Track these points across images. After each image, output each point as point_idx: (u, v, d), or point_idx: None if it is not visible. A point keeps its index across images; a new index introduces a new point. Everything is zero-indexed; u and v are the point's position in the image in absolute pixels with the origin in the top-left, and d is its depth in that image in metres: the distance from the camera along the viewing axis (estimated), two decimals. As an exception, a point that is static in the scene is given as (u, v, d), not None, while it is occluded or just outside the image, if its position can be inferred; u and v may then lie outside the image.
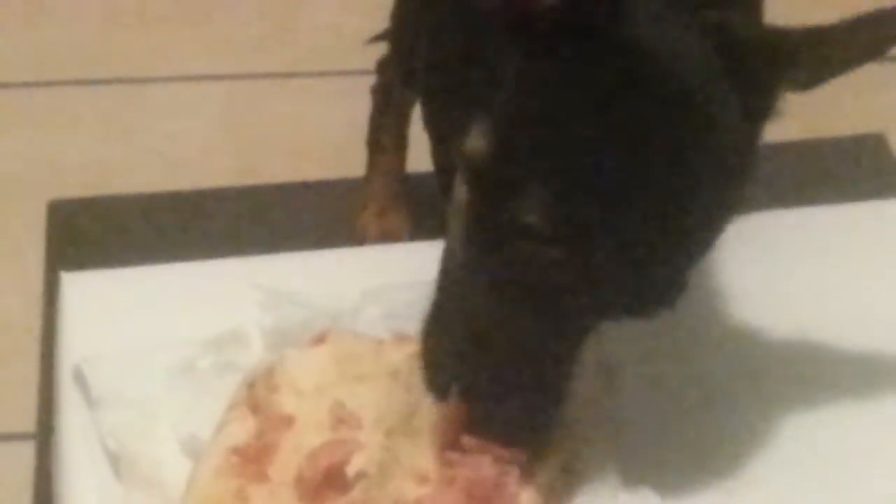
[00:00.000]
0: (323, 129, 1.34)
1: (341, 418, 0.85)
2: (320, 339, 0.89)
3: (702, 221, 0.82)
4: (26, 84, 1.72)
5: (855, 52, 0.83)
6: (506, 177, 0.79)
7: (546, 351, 0.81)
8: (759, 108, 0.83)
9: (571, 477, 0.85)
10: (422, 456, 0.84)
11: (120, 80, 1.72)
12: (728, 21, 0.83)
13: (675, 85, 0.80)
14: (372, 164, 1.33)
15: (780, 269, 1.01)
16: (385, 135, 1.33)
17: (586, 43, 0.79)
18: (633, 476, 0.85)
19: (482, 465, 0.82)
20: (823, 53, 0.83)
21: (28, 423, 0.99)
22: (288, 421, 0.86)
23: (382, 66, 1.34)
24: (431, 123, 1.08)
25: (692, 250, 0.82)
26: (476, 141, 0.80)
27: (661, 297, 0.81)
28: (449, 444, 0.83)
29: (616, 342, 0.91)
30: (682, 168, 0.79)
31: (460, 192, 0.81)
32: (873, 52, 0.82)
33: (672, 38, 0.82)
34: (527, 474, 0.83)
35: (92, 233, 1.10)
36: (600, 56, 0.79)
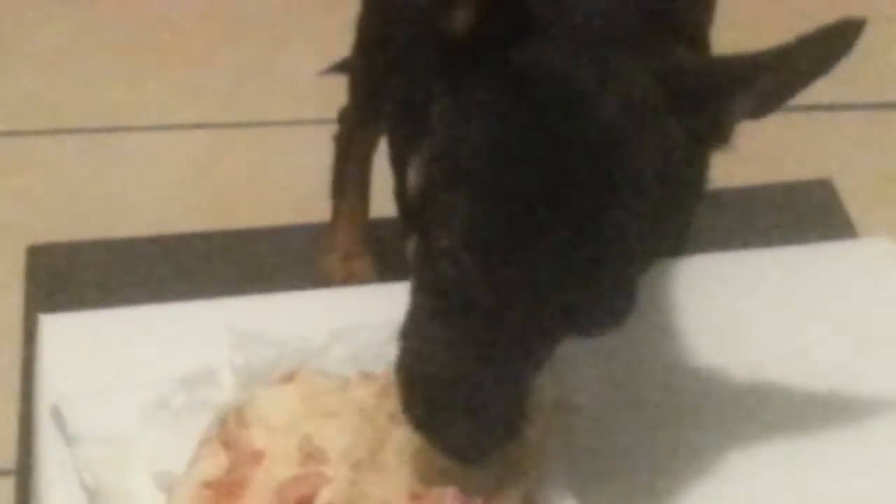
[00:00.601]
0: (290, 176, 1.35)
1: (309, 453, 0.86)
2: (289, 378, 0.90)
3: (640, 233, 0.82)
4: (3, 133, 1.72)
5: (801, 74, 0.83)
6: (431, 209, 0.80)
7: (502, 378, 0.81)
8: (706, 135, 0.83)
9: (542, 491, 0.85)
10: (387, 489, 0.84)
11: (95, 130, 1.72)
12: (671, 51, 0.84)
13: (590, 113, 0.81)
14: (336, 210, 1.33)
15: (729, 308, 1.01)
16: (348, 182, 1.33)
17: (496, 73, 0.81)
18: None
19: (445, 497, 0.83)
20: (770, 78, 0.83)
21: (8, 459, 0.99)
22: (258, 456, 0.86)
23: (343, 116, 1.34)
24: (395, 164, 1.09)
25: (633, 261, 0.82)
26: (412, 179, 0.82)
27: (607, 315, 0.82)
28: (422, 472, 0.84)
29: (572, 381, 0.92)
30: (596, 190, 0.80)
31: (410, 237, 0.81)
32: (819, 71, 0.83)
33: (590, 66, 0.82)
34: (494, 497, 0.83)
35: (69, 276, 1.10)
36: (508, 87, 0.81)
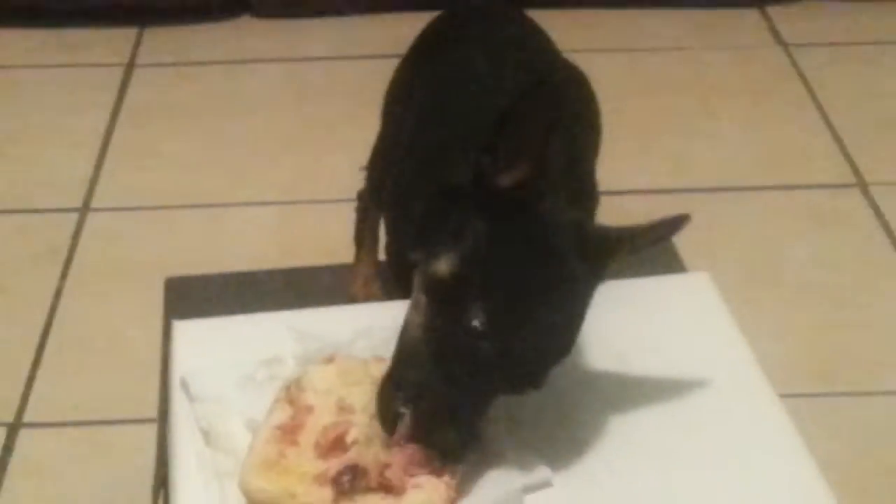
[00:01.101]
0: (331, 233, 1.33)
1: (342, 408, 0.85)
2: (330, 360, 0.89)
3: (565, 342, 0.82)
4: (152, 207, 1.71)
5: (654, 242, 0.84)
6: (458, 293, 0.79)
7: (476, 406, 0.80)
8: (598, 272, 0.83)
9: (483, 442, 0.82)
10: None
11: (210, 205, 1.71)
12: (582, 220, 0.85)
13: (559, 260, 0.81)
14: (357, 253, 1.33)
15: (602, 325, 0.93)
16: (364, 235, 1.32)
17: (520, 222, 0.81)
18: (524, 443, 0.84)
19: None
20: (634, 242, 0.83)
21: (153, 411, 0.98)
22: (310, 409, 0.86)
23: (361, 194, 1.33)
24: (394, 237, 1.07)
25: (557, 356, 0.82)
26: (442, 266, 0.80)
27: (538, 382, 0.82)
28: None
29: None
30: (559, 301, 0.80)
31: (419, 295, 0.81)
32: (665, 240, 0.85)
33: (558, 227, 0.82)
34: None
35: (193, 297, 1.09)
36: (525, 231, 0.81)
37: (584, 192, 0.99)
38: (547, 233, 0.81)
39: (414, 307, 0.82)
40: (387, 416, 0.80)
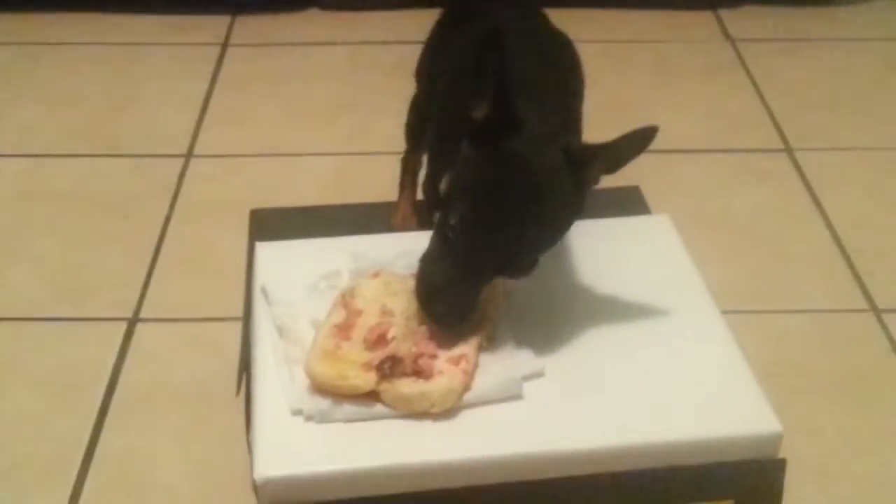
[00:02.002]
0: (383, 177, 1.32)
1: (385, 311, 0.85)
2: (376, 275, 0.90)
3: (544, 235, 0.83)
4: (242, 155, 1.70)
5: (629, 152, 0.82)
6: (449, 201, 0.81)
7: (467, 283, 0.82)
8: (583, 184, 0.83)
9: (491, 343, 0.84)
10: (424, 330, 0.84)
11: (285, 154, 1.70)
12: (569, 142, 0.84)
13: (535, 169, 0.81)
14: (400, 194, 1.32)
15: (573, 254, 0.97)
16: (405, 180, 1.30)
17: (494, 147, 0.81)
18: (522, 343, 0.85)
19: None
20: (614, 154, 0.82)
21: (239, 312, 0.97)
22: (360, 312, 0.86)
23: (405, 155, 1.33)
24: (431, 173, 1.08)
25: (539, 246, 0.83)
26: (442, 185, 0.83)
27: (523, 268, 0.83)
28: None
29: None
30: (536, 209, 0.80)
31: (435, 211, 0.84)
32: (634, 154, 0.82)
33: (538, 149, 0.82)
34: (471, 334, 0.83)
35: (272, 225, 1.09)
36: (498, 153, 0.81)
37: (574, 123, 0.97)
38: (524, 149, 0.80)
39: (435, 223, 0.84)
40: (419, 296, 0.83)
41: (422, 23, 1.24)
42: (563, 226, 0.83)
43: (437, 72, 1.16)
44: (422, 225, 1.11)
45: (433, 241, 0.83)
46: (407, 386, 0.78)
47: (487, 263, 0.81)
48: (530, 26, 1.11)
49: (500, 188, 0.80)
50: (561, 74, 1.02)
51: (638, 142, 0.81)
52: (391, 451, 0.76)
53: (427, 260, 0.83)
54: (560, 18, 2.01)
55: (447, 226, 0.80)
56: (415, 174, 1.32)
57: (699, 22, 2.10)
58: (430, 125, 1.14)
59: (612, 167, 0.83)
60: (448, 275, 0.81)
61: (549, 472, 0.76)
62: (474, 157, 0.81)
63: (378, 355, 0.81)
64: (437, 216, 0.83)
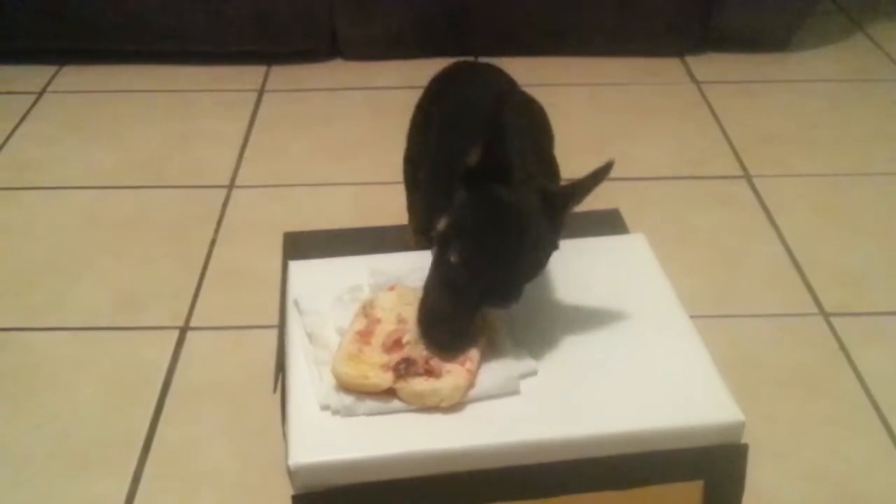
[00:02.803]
0: (395, 205, 1.31)
1: (400, 320, 0.85)
2: (392, 288, 0.89)
3: (527, 269, 0.82)
4: (272, 185, 1.69)
5: (593, 185, 0.82)
6: (447, 240, 0.80)
7: (464, 313, 0.81)
8: (557, 225, 0.83)
9: (492, 346, 0.84)
10: None
11: (314, 185, 1.69)
12: (546, 185, 0.84)
13: (519, 213, 0.80)
14: (409, 217, 1.30)
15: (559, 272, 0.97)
16: (412, 205, 1.28)
17: (484, 191, 0.81)
18: (519, 346, 0.85)
19: None
20: (582, 190, 0.82)
21: (274, 319, 0.96)
22: (378, 321, 0.85)
23: (408, 200, 1.30)
24: (422, 211, 1.09)
25: (523, 279, 0.81)
26: (440, 224, 0.82)
27: (512, 299, 0.82)
28: None
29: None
30: (520, 248, 0.80)
31: (433, 247, 0.83)
32: (599, 183, 0.82)
33: (522, 193, 0.81)
34: (473, 340, 0.83)
35: (303, 246, 1.08)
36: (488, 198, 0.80)
37: (550, 170, 0.97)
38: (510, 195, 0.80)
39: (433, 255, 0.83)
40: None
41: (430, 71, 1.24)
42: (544, 260, 0.82)
43: (426, 129, 1.15)
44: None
45: (432, 275, 0.82)
46: (419, 384, 0.78)
47: (483, 296, 0.79)
48: (496, 86, 1.12)
49: (494, 229, 0.79)
50: (535, 129, 1.03)
51: (600, 175, 0.81)
52: (406, 440, 0.76)
53: (427, 292, 0.82)
54: (549, 65, 2.04)
55: (446, 263, 0.79)
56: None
57: (669, 67, 2.10)
58: (421, 174, 1.14)
59: (581, 200, 0.83)
60: (448, 307, 0.80)
61: (542, 457, 0.76)
62: (469, 201, 0.80)
63: (394, 358, 0.81)
64: (434, 252, 0.82)
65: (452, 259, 0.78)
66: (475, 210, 0.80)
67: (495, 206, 0.79)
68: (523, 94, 1.13)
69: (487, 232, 0.78)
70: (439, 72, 1.20)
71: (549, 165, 1.00)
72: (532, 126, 1.03)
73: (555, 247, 0.83)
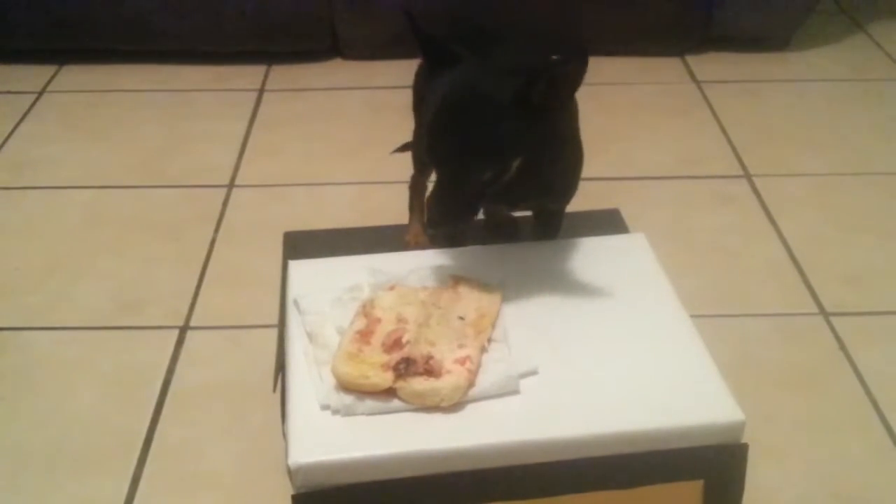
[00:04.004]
0: (396, 202, 1.31)
1: (400, 319, 0.86)
2: (392, 288, 0.90)
3: (487, 148, 0.81)
4: (274, 185, 1.69)
5: (569, 80, 0.82)
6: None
7: (454, 193, 0.82)
8: (530, 108, 0.82)
9: (492, 346, 0.85)
10: (433, 335, 0.84)
11: (313, 184, 1.69)
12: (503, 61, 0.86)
13: (471, 87, 0.82)
14: (410, 215, 1.28)
15: (563, 264, 0.98)
16: (414, 203, 1.26)
17: (435, 81, 0.84)
18: (519, 346, 0.85)
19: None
20: (553, 78, 0.82)
21: (274, 319, 0.97)
22: (379, 320, 0.86)
23: (412, 177, 1.28)
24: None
25: (494, 152, 0.82)
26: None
27: (470, 169, 0.82)
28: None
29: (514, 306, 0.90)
30: (473, 126, 0.81)
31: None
32: (577, 79, 0.82)
33: (474, 74, 0.83)
34: (474, 338, 0.83)
35: (303, 245, 1.08)
36: (437, 81, 0.84)
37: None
38: (456, 75, 0.82)
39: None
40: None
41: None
42: (507, 133, 0.81)
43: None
44: (431, 242, 1.11)
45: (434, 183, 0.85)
46: (419, 383, 0.78)
47: (454, 171, 0.81)
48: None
49: (437, 105, 0.81)
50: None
51: (578, 68, 0.81)
52: (406, 440, 0.76)
53: (433, 197, 0.85)
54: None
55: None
56: (422, 196, 1.28)
57: (669, 67, 2.09)
58: None
59: (559, 90, 0.82)
60: (437, 192, 0.82)
61: (542, 457, 0.76)
62: (438, 81, 0.83)
63: (394, 357, 0.81)
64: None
65: (423, 133, 0.81)
66: (431, 98, 0.82)
67: (442, 83, 0.82)
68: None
69: (436, 106, 0.81)
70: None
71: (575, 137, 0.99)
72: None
73: (531, 125, 0.82)
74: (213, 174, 1.71)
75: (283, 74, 2.06)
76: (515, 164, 0.83)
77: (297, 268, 0.97)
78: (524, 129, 0.81)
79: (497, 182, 0.83)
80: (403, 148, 1.25)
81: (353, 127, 1.85)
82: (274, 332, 1.01)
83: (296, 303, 0.91)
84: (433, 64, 0.84)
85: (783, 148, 1.79)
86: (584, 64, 0.79)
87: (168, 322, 1.36)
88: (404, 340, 0.82)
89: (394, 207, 1.33)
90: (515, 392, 0.80)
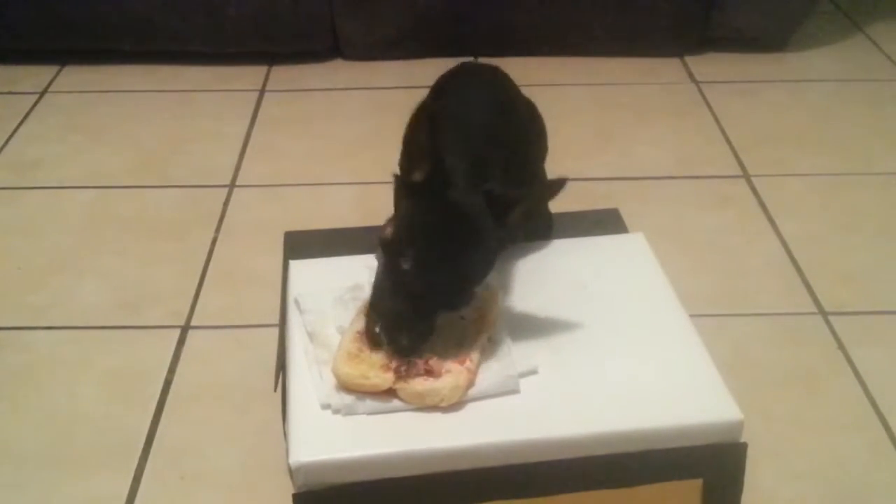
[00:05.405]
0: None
1: None
2: None
3: (478, 272, 0.82)
4: (277, 185, 1.69)
5: (543, 198, 0.86)
6: (397, 248, 0.81)
7: (423, 317, 0.81)
8: (505, 224, 0.83)
9: (492, 345, 0.84)
10: (433, 335, 0.82)
11: (314, 184, 1.69)
12: (492, 189, 0.83)
13: (466, 217, 0.81)
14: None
15: (558, 265, 0.98)
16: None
17: (429, 198, 0.81)
18: (518, 345, 0.86)
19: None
20: (532, 200, 0.85)
21: (275, 318, 0.97)
22: None
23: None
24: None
25: (474, 282, 0.82)
26: (386, 231, 0.83)
27: (464, 301, 0.83)
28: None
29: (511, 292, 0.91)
30: (471, 252, 0.80)
31: (379, 254, 0.84)
32: (550, 198, 0.85)
33: (466, 196, 0.82)
34: (474, 338, 0.83)
35: (303, 245, 1.08)
36: (433, 204, 0.81)
37: (522, 178, 0.96)
38: (457, 200, 0.81)
39: (379, 261, 0.83)
40: (369, 335, 0.82)
41: (429, 71, 1.24)
42: (492, 261, 0.83)
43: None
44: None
45: (381, 280, 0.82)
46: (419, 384, 0.78)
47: (438, 299, 0.80)
48: (488, 93, 1.11)
49: (444, 235, 0.79)
50: (508, 131, 1.02)
51: (551, 191, 0.83)
52: (407, 439, 0.76)
53: (380, 297, 0.82)
54: (549, 65, 2.04)
55: (398, 271, 0.79)
56: None
57: (669, 67, 2.10)
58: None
59: (528, 206, 0.84)
60: (406, 312, 0.80)
61: (542, 456, 0.76)
62: (417, 209, 0.81)
63: (394, 358, 0.81)
64: (379, 259, 0.83)
65: (405, 266, 0.78)
66: (425, 216, 0.81)
67: (443, 211, 0.80)
68: (522, 98, 1.13)
69: (438, 238, 0.79)
70: (445, 73, 1.19)
71: (527, 171, 0.99)
72: (507, 127, 1.02)
73: (500, 249, 0.84)
74: (214, 174, 1.71)
75: (284, 75, 2.06)
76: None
77: (298, 267, 0.97)
78: (496, 251, 0.83)
79: None
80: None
81: (353, 127, 1.85)
82: (275, 332, 1.01)
83: (296, 302, 0.91)
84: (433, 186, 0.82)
85: (782, 148, 1.79)
86: (562, 186, 0.82)
87: (169, 322, 1.36)
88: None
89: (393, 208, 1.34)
90: (515, 392, 0.80)
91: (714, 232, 1.55)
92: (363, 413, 0.78)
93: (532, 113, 1.14)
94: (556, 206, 1.08)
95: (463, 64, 1.20)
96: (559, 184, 0.81)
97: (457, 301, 0.81)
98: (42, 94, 2.00)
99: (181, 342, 1.33)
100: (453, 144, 0.82)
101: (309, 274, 0.96)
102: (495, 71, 1.18)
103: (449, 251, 0.79)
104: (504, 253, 0.96)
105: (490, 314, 0.86)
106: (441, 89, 1.16)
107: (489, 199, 0.81)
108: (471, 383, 0.79)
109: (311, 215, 1.57)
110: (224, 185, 1.67)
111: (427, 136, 0.80)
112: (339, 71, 2.08)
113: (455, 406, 0.78)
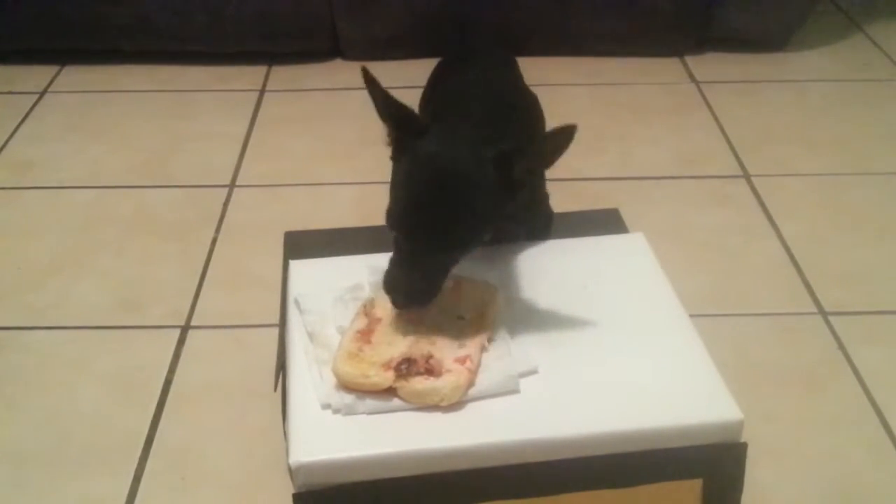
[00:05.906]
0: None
1: (400, 319, 0.86)
2: None
3: (464, 223, 0.81)
4: (276, 185, 1.69)
5: (555, 151, 0.79)
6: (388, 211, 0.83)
7: (419, 271, 0.82)
8: (509, 180, 0.81)
9: (492, 345, 0.85)
10: (433, 335, 0.84)
11: (314, 184, 1.68)
12: (494, 146, 0.82)
13: (443, 162, 0.81)
14: None
15: (558, 265, 0.98)
16: None
17: (407, 153, 0.83)
18: (519, 345, 0.86)
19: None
20: (537, 153, 0.81)
21: (275, 318, 0.97)
22: (379, 319, 0.86)
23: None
24: None
25: (468, 227, 0.82)
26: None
27: (463, 248, 0.83)
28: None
29: (514, 295, 0.91)
30: (448, 192, 0.80)
31: None
32: (562, 149, 0.79)
33: (445, 147, 0.82)
34: (474, 337, 0.83)
35: (303, 245, 1.09)
36: (408, 156, 0.83)
37: (523, 135, 0.96)
38: (427, 150, 0.81)
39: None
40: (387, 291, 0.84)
41: (429, 71, 1.24)
42: (486, 210, 0.81)
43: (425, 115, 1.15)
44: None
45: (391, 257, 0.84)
46: (420, 383, 0.79)
47: (426, 250, 0.81)
48: (491, 76, 1.12)
49: (411, 179, 0.81)
50: (529, 123, 1.02)
51: (561, 140, 0.77)
52: (407, 438, 0.77)
53: (389, 263, 0.85)
54: (549, 65, 2.04)
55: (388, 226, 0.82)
56: None
57: (669, 67, 2.10)
58: None
59: (540, 164, 0.82)
60: (401, 268, 0.82)
61: (542, 456, 0.76)
62: (393, 168, 0.83)
63: (395, 357, 0.81)
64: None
65: (390, 217, 0.81)
66: (397, 170, 0.82)
67: (413, 159, 0.81)
68: (521, 86, 1.13)
69: (408, 183, 0.81)
70: (444, 58, 1.20)
71: (521, 133, 0.98)
72: (530, 119, 1.02)
73: (504, 201, 0.82)
74: (215, 174, 1.71)
75: (284, 75, 2.06)
76: (488, 238, 0.84)
77: (298, 267, 0.97)
78: (501, 206, 0.82)
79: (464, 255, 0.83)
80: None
81: (353, 127, 1.85)
82: (275, 332, 1.01)
83: (296, 302, 0.91)
84: (397, 133, 0.83)
85: (782, 148, 1.79)
86: (573, 132, 0.77)
87: (169, 321, 1.36)
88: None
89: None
90: (515, 391, 0.80)
91: (714, 232, 1.55)
92: (363, 412, 0.78)
93: (534, 100, 1.13)
94: (556, 206, 1.09)
95: (472, 44, 1.20)
96: (568, 130, 0.76)
97: (446, 242, 0.81)
98: (42, 94, 2.00)
99: (181, 342, 1.33)
100: (449, 109, 0.82)
101: (309, 274, 0.96)
102: (504, 58, 1.18)
103: (421, 197, 0.80)
104: (504, 253, 0.97)
105: (490, 314, 0.86)
106: (449, 65, 1.16)
107: (496, 155, 0.80)
108: (471, 383, 0.80)
109: (311, 215, 1.57)
110: (224, 185, 1.67)
111: (374, 93, 0.84)
112: (339, 71, 2.08)
113: (455, 406, 0.78)
